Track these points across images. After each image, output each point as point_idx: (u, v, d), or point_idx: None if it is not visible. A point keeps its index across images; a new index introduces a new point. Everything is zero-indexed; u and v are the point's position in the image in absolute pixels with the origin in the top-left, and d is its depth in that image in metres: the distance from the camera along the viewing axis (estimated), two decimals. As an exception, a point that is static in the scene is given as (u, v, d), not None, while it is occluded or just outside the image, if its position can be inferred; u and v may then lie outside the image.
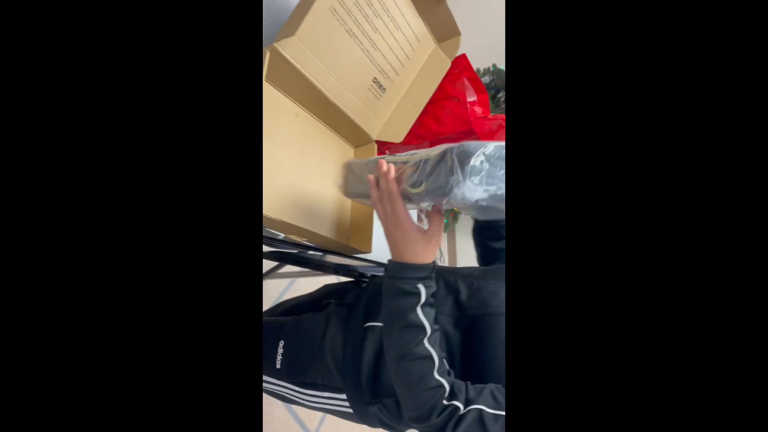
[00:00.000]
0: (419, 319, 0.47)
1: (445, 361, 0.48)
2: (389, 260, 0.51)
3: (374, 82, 0.76)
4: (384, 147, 0.95)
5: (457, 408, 0.44)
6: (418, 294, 0.48)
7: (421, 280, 0.48)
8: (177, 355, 0.28)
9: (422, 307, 0.47)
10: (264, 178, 0.61)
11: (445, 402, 0.45)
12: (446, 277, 0.62)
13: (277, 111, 0.70)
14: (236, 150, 0.30)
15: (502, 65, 2.64)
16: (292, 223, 0.60)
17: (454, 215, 2.43)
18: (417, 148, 0.96)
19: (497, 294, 0.57)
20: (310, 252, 0.88)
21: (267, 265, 1.43)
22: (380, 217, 0.50)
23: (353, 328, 0.61)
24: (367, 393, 0.57)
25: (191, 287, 0.29)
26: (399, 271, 0.48)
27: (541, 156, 0.29)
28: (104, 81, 0.27)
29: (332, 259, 1.00)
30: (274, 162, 0.68)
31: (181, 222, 0.29)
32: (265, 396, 0.85)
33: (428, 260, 0.49)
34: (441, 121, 0.87)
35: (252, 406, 0.29)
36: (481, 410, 0.43)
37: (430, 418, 0.44)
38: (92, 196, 0.27)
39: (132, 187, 0.28)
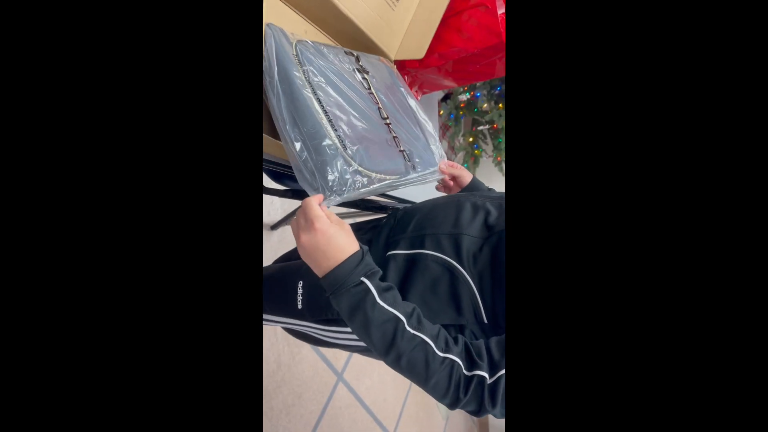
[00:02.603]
0: (386, 311, 0.43)
1: (442, 334, 0.44)
2: (321, 279, 0.46)
3: (389, -12, 0.67)
4: (404, 70, 0.87)
5: (483, 378, 0.41)
6: (367, 289, 0.43)
7: (357, 270, 0.44)
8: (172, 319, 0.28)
9: (381, 297, 0.43)
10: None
11: (466, 373, 0.42)
12: (473, 200, 0.57)
13: (285, 28, 0.62)
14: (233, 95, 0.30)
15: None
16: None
17: (474, 159, 2.33)
18: (439, 70, 0.88)
19: None
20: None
21: (292, 206, 1.41)
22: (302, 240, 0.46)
23: (374, 258, 0.56)
24: None
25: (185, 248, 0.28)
26: (335, 279, 0.44)
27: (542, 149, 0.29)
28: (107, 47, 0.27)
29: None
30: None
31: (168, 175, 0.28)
32: (291, 337, 0.84)
33: (356, 248, 0.45)
34: (466, 34, 0.77)
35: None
36: None
37: (459, 398, 0.41)
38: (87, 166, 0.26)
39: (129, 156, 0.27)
